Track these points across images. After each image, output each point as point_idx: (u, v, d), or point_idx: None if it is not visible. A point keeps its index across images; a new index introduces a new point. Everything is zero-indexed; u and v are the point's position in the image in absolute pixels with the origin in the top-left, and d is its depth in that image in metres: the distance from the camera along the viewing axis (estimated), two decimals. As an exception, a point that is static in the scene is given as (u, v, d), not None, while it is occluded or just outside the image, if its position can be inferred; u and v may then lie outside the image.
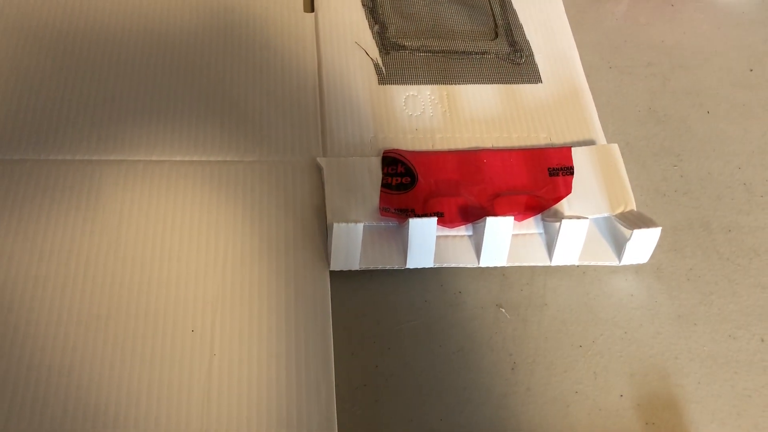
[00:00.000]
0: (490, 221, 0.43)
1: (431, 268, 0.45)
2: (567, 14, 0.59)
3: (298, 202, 0.46)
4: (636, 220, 0.45)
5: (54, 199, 0.45)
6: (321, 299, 0.42)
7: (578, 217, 0.44)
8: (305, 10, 0.57)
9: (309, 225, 0.45)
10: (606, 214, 0.47)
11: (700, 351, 0.44)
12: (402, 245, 0.45)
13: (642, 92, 0.56)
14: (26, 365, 0.39)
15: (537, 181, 0.48)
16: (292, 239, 0.44)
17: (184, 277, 0.42)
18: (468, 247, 0.46)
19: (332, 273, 0.44)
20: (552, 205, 0.47)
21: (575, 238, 0.45)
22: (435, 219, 0.43)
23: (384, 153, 0.48)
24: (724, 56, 0.60)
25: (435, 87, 0.53)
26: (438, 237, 0.45)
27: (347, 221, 0.43)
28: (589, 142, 0.51)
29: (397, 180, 0.47)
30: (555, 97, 0.53)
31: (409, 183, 0.47)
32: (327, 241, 0.44)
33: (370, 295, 0.44)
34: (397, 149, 0.49)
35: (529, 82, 0.54)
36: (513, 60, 0.55)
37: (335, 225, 0.43)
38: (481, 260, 0.45)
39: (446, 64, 0.54)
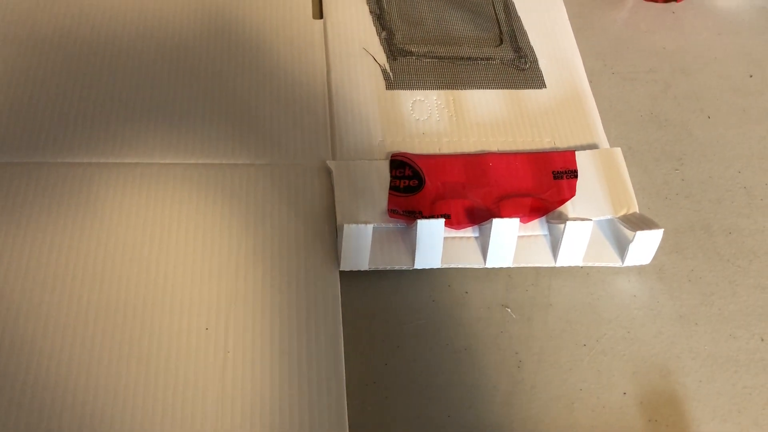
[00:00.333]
0: (497, 223, 0.44)
1: (438, 268, 0.46)
2: (570, 21, 0.60)
3: (309, 204, 0.47)
4: (638, 222, 0.46)
5: (79, 203, 0.46)
6: (331, 298, 0.43)
7: (582, 219, 0.45)
8: (314, 17, 0.58)
9: (319, 226, 0.46)
10: (609, 217, 0.48)
11: (701, 350, 0.45)
12: (410, 246, 0.46)
13: (644, 97, 0.57)
14: (34, 368, 0.40)
15: (542, 184, 0.49)
16: (303, 240, 0.45)
17: (198, 277, 0.43)
18: (474, 248, 0.47)
19: (342, 273, 0.45)
20: (556, 208, 0.48)
21: (579, 239, 0.46)
22: (443, 220, 0.44)
23: (392, 156, 0.49)
24: (724, 62, 0.61)
25: (441, 92, 0.54)
26: (445, 238, 0.46)
27: (357, 222, 0.44)
28: (593, 146, 0.52)
29: (404, 183, 0.48)
30: (559, 102, 0.54)
31: (416, 186, 0.48)
32: (337, 242, 0.45)
33: (380, 295, 0.45)
34: (404, 153, 0.50)
35: (534, 87, 0.55)
36: (517, 66, 0.56)
37: (345, 226, 0.44)
38: (487, 261, 0.46)
39: (452, 69, 0.55)
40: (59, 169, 0.47)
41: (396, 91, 0.54)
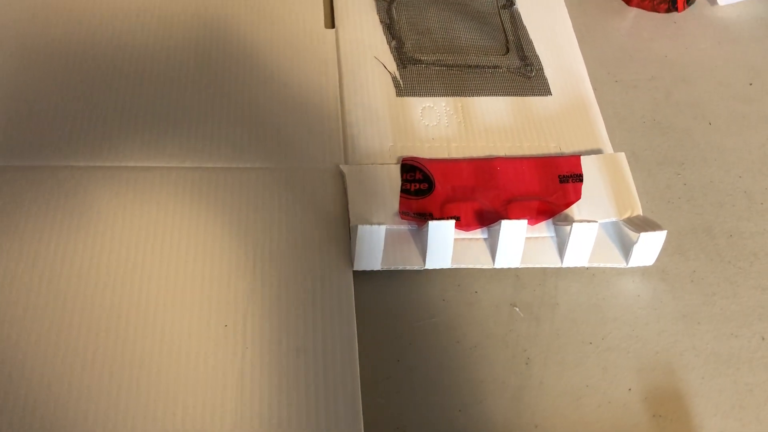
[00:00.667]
0: (505, 224, 0.46)
1: (449, 268, 0.47)
2: (574, 30, 0.61)
3: (323, 207, 0.48)
4: (642, 224, 0.48)
5: (92, 206, 0.47)
6: (345, 297, 0.45)
7: (588, 222, 0.47)
8: (326, 27, 0.59)
9: (333, 228, 0.48)
10: (614, 219, 0.49)
11: (703, 348, 0.46)
12: (421, 247, 0.47)
13: (646, 104, 0.59)
14: (39, 367, 0.41)
15: (548, 188, 0.50)
16: (318, 241, 0.47)
17: (217, 276, 0.45)
18: (484, 249, 0.48)
19: (355, 273, 0.46)
20: (562, 210, 0.49)
21: (585, 241, 0.47)
22: (453, 221, 0.45)
23: (403, 160, 0.51)
24: (724, 70, 0.62)
25: (450, 99, 0.55)
26: (455, 239, 0.47)
27: (369, 224, 0.45)
28: (597, 152, 0.53)
29: (415, 186, 0.49)
30: (564, 108, 0.56)
31: (426, 189, 0.50)
32: (350, 243, 0.47)
33: (392, 294, 0.46)
34: (415, 157, 0.51)
35: (539, 94, 0.56)
36: (524, 74, 0.58)
37: (358, 227, 0.45)
38: (496, 261, 0.47)
39: (460, 77, 0.57)
40: (85, 173, 0.49)
41: (406, 98, 0.55)
